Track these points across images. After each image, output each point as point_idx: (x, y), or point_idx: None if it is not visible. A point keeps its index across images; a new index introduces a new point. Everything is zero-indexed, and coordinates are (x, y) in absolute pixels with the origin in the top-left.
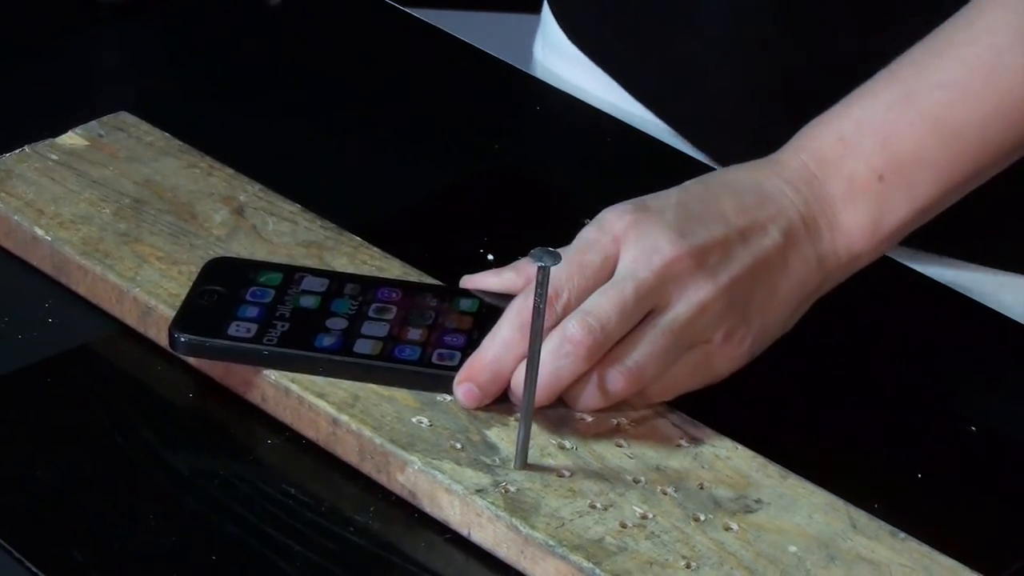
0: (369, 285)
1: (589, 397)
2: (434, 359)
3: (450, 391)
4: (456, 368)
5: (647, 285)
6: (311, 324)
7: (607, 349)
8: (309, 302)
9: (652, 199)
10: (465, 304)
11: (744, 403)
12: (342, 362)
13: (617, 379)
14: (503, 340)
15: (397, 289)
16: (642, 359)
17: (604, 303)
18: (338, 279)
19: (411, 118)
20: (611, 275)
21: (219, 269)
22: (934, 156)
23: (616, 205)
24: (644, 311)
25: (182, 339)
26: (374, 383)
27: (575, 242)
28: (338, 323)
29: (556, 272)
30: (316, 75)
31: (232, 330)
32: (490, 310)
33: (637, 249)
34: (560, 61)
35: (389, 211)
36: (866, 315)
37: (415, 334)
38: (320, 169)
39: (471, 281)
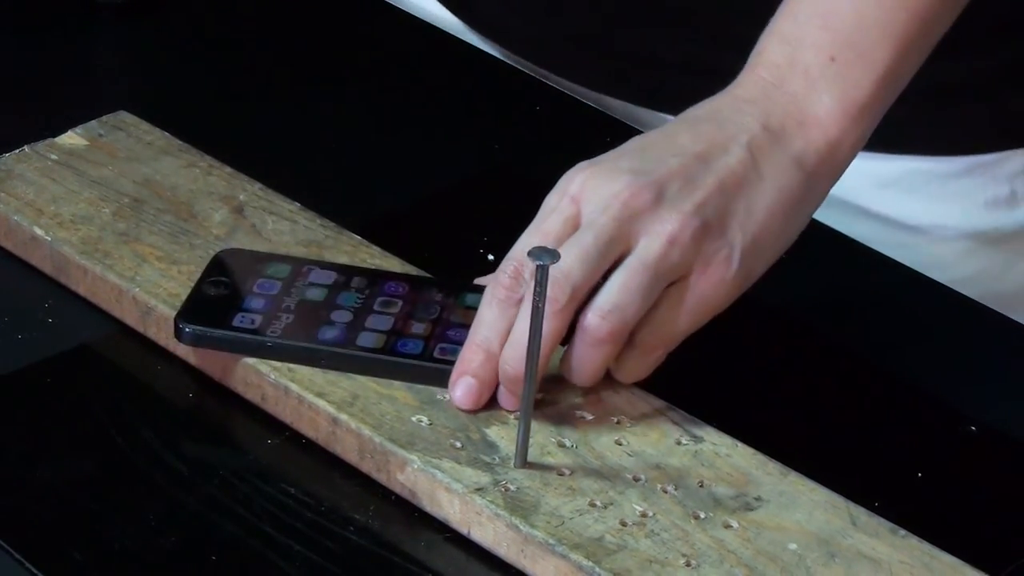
0: (376, 279)
1: (584, 360)
2: (436, 353)
3: None
4: None
5: (607, 230)
6: (315, 316)
7: (580, 301)
8: (315, 294)
9: (609, 153)
10: (471, 299)
11: (744, 401)
12: (344, 354)
13: (600, 325)
14: (484, 321)
15: (404, 283)
16: (619, 299)
17: (566, 257)
18: (346, 272)
19: (411, 118)
20: None
21: (228, 261)
22: (875, 17)
23: (573, 167)
24: (611, 257)
25: (187, 329)
26: (376, 376)
27: (538, 212)
28: (343, 316)
29: (519, 244)
30: (315, 74)
31: (237, 321)
32: None
33: (595, 201)
34: None
35: (389, 211)
36: (866, 314)
37: (419, 328)
38: (320, 169)
39: (483, 282)
